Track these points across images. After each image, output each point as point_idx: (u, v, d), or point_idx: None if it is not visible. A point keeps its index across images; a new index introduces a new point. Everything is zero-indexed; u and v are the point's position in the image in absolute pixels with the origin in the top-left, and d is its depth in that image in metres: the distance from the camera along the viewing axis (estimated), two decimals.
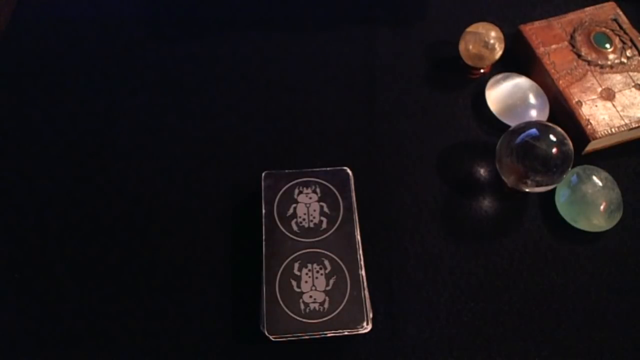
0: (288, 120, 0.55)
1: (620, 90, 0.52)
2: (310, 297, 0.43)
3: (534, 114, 0.53)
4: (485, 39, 0.54)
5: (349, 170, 0.48)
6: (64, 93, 0.58)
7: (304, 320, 0.42)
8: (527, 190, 0.47)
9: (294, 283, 0.43)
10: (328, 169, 0.49)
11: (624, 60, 0.54)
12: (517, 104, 0.54)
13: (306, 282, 0.43)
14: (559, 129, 0.46)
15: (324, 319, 0.42)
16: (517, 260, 0.48)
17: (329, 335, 0.42)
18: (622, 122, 0.51)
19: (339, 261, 0.44)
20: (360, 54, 0.59)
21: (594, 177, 0.49)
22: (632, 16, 0.57)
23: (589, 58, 0.54)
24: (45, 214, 0.51)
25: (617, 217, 0.48)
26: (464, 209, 0.50)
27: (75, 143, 0.54)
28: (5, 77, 0.59)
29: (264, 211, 0.47)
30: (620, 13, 0.57)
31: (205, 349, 0.43)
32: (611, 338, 0.44)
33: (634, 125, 0.50)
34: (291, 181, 0.48)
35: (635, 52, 0.55)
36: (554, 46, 0.55)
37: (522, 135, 0.46)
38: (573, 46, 0.55)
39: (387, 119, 0.55)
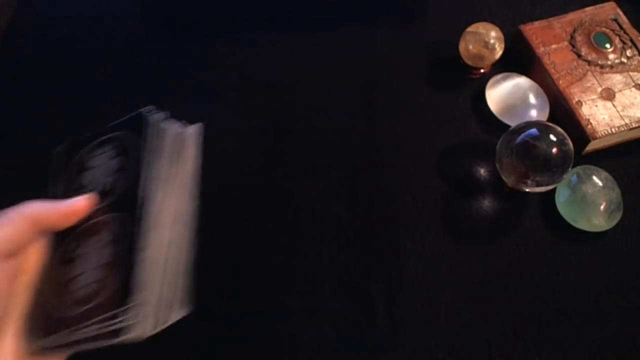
0: (288, 120, 0.55)
1: (620, 90, 0.52)
2: (79, 281, 0.31)
3: (534, 113, 0.53)
4: (485, 39, 0.54)
5: (150, 112, 0.38)
6: (64, 93, 0.58)
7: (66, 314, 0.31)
8: (527, 190, 0.47)
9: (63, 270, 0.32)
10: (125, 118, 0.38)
11: (624, 60, 0.54)
12: (517, 103, 0.54)
13: (76, 265, 0.32)
14: (559, 129, 0.46)
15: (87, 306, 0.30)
16: (517, 260, 0.48)
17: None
18: (622, 122, 0.51)
19: (117, 227, 0.32)
20: (360, 54, 0.59)
21: (594, 177, 0.49)
22: (632, 16, 0.57)
23: (589, 58, 0.54)
24: None
25: (617, 217, 0.48)
26: (464, 209, 0.50)
27: None
28: (5, 77, 0.59)
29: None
30: (621, 13, 0.57)
31: None
32: (611, 338, 0.44)
33: (634, 125, 0.50)
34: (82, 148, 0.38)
35: (636, 52, 0.55)
36: (554, 46, 0.55)
37: (522, 135, 0.46)
38: (573, 46, 0.55)
39: (387, 119, 0.55)
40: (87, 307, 0.30)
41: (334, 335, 0.44)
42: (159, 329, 0.31)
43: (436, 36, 0.60)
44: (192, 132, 0.38)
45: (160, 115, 0.37)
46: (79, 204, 0.33)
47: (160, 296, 0.32)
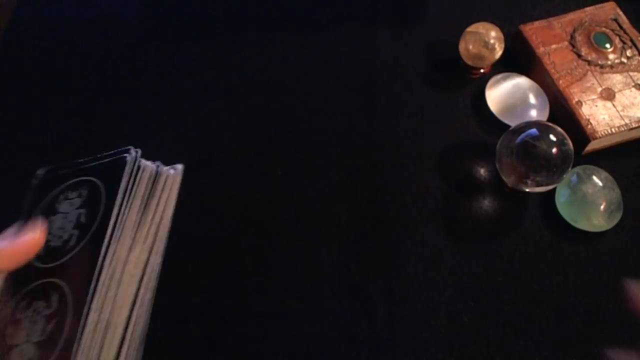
0: (288, 120, 0.55)
1: (620, 90, 0.52)
2: (21, 352, 0.28)
3: (534, 113, 0.53)
4: (485, 39, 0.53)
5: (129, 154, 0.33)
6: (64, 93, 0.58)
7: None
8: (527, 190, 0.47)
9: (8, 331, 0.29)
10: (106, 158, 0.34)
11: (624, 60, 0.54)
12: (517, 103, 0.54)
13: (23, 329, 0.29)
14: (559, 129, 0.46)
15: None
16: (517, 260, 0.48)
17: None
18: (622, 122, 0.51)
19: (68, 294, 0.29)
20: (360, 54, 0.59)
21: (594, 177, 0.49)
22: (632, 16, 0.57)
23: (589, 58, 0.54)
24: None
25: (617, 217, 0.48)
26: (464, 209, 0.50)
27: (75, 143, 0.54)
28: (5, 77, 0.59)
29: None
30: (621, 13, 0.57)
31: None
32: (611, 338, 0.44)
33: (634, 125, 0.50)
34: (60, 184, 0.35)
35: (636, 52, 0.55)
36: (554, 46, 0.55)
37: (522, 135, 0.46)
38: (573, 46, 0.55)
39: (387, 119, 0.55)
40: None
41: (334, 335, 0.44)
42: None
43: (436, 36, 0.60)
44: (171, 173, 0.35)
45: (136, 156, 0.34)
46: (26, 244, 0.29)
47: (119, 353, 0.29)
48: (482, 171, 0.52)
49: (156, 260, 0.32)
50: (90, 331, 0.27)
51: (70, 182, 0.33)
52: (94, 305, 0.28)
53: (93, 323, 0.28)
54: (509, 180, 0.48)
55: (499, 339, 0.44)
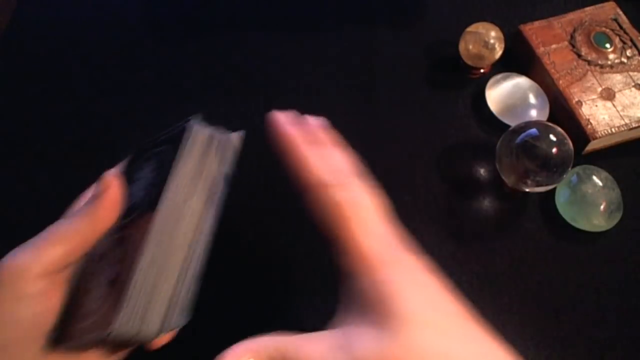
0: None
1: (620, 90, 0.52)
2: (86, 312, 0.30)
3: (534, 113, 0.53)
4: (485, 39, 0.54)
5: (191, 120, 0.35)
6: (64, 93, 0.58)
7: None
8: (527, 190, 0.47)
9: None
10: (176, 129, 0.36)
11: (624, 60, 0.54)
12: (517, 103, 0.54)
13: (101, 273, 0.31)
14: (559, 128, 0.46)
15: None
16: (517, 260, 0.48)
17: None
18: (622, 122, 0.51)
19: (132, 243, 0.31)
20: (360, 54, 0.59)
21: (594, 177, 0.49)
22: (632, 16, 0.57)
23: (589, 58, 0.54)
24: (44, 213, 0.51)
25: (617, 217, 0.48)
26: (464, 209, 0.50)
27: (75, 143, 0.54)
28: (5, 77, 0.59)
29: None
30: (620, 13, 0.57)
31: None
32: (611, 338, 0.44)
33: (634, 125, 0.50)
34: (141, 157, 0.37)
35: (636, 52, 0.55)
36: (554, 46, 0.55)
37: (522, 135, 0.46)
38: (573, 46, 0.55)
39: (387, 119, 0.55)
40: (83, 324, 0.29)
41: None
42: (164, 333, 0.30)
43: (436, 36, 0.60)
44: (231, 139, 0.38)
45: (200, 122, 0.36)
46: (104, 209, 0.32)
47: (171, 299, 0.30)
48: (482, 171, 0.52)
49: (209, 213, 0.35)
50: (143, 271, 0.29)
51: (146, 154, 0.36)
52: (147, 247, 0.29)
53: (146, 263, 0.29)
54: (509, 180, 0.48)
55: (499, 339, 0.44)
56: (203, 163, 0.35)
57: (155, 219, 0.30)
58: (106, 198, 0.31)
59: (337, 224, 0.29)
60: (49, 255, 0.29)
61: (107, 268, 0.31)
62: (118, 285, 0.29)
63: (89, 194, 0.36)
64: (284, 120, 0.33)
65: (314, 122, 0.35)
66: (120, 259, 0.30)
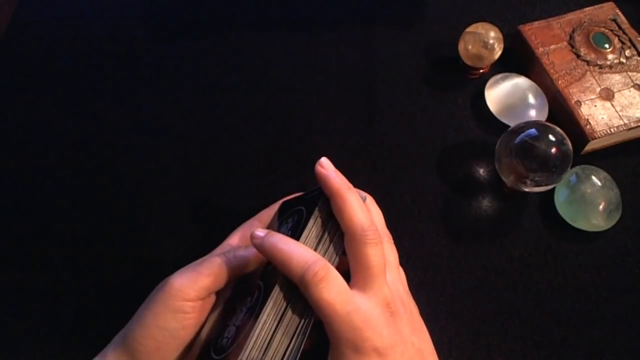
0: (288, 120, 0.55)
1: (619, 90, 0.53)
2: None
3: (533, 113, 0.53)
4: (485, 39, 0.54)
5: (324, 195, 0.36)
6: (64, 93, 0.58)
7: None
8: (526, 190, 0.47)
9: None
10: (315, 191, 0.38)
11: (623, 60, 0.54)
12: (517, 103, 0.54)
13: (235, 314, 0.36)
14: (558, 128, 0.47)
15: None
16: (516, 260, 0.48)
17: None
18: (621, 122, 0.51)
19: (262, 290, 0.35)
20: (360, 54, 0.59)
21: (593, 177, 0.49)
22: (631, 16, 0.57)
23: (588, 58, 0.54)
24: (45, 213, 0.51)
25: (616, 216, 0.48)
26: (464, 208, 0.50)
27: (75, 143, 0.55)
28: (5, 77, 0.59)
29: None
30: (620, 13, 0.57)
31: None
32: (611, 338, 0.44)
33: (632, 125, 0.51)
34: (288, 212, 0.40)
35: (634, 52, 0.55)
36: (553, 46, 0.55)
37: (522, 135, 0.46)
38: (572, 46, 0.55)
39: (387, 119, 0.55)
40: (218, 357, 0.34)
41: None
42: None
43: (436, 36, 0.60)
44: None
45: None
46: (249, 257, 0.37)
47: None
48: (481, 171, 0.52)
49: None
50: (264, 322, 0.32)
51: (292, 210, 0.39)
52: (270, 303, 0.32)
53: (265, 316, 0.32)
54: (508, 180, 0.48)
55: (499, 339, 0.44)
56: (327, 227, 0.36)
57: (274, 290, 0.33)
58: (257, 255, 0.36)
59: (370, 277, 0.33)
60: (203, 282, 0.34)
61: (240, 311, 0.35)
62: (241, 337, 0.32)
63: (250, 226, 0.42)
64: (333, 170, 0.37)
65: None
66: (251, 306, 0.34)
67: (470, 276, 0.47)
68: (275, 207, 0.43)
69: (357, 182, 0.49)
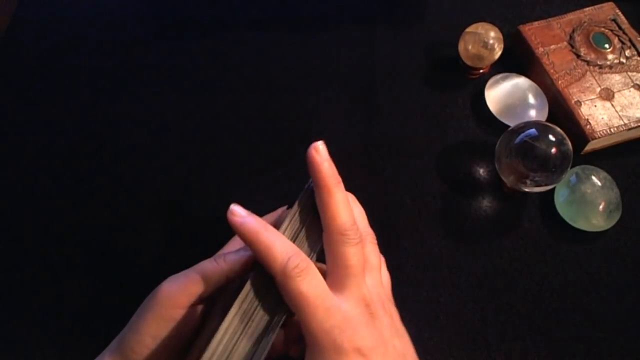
0: (288, 120, 0.55)
1: (619, 90, 0.53)
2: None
3: (533, 114, 0.53)
4: (485, 39, 0.54)
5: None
6: (64, 93, 0.58)
7: None
8: (526, 190, 0.47)
9: None
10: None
11: (623, 60, 0.54)
12: (517, 104, 0.54)
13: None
14: (558, 129, 0.47)
15: None
16: (516, 260, 0.48)
17: None
18: (621, 122, 0.51)
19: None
20: (360, 54, 0.59)
21: (593, 177, 0.49)
22: (631, 16, 0.57)
23: (588, 58, 0.54)
24: (44, 213, 0.51)
25: (616, 216, 0.48)
26: (464, 208, 0.50)
27: (75, 143, 0.54)
28: (5, 77, 0.59)
29: None
30: (620, 13, 0.57)
31: None
32: (611, 338, 0.44)
33: (632, 125, 0.51)
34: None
35: (634, 52, 0.55)
36: (553, 46, 0.55)
37: (522, 135, 0.46)
38: (572, 46, 0.55)
39: (386, 119, 0.55)
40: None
41: None
42: None
43: (436, 36, 0.60)
44: None
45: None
46: (240, 261, 0.35)
47: None
48: (481, 171, 0.52)
49: None
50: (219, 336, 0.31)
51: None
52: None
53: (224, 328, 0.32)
54: (508, 180, 0.48)
55: (499, 339, 0.44)
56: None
57: (242, 292, 0.32)
58: (250, 257, 0.35)
59: (347, 277, 0.32)
60: (193, 289, 0.33)
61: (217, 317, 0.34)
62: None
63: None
64: (326, 158, 0.35)
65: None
66: (223, 311, 0.33)
67: (469, 276, 0.47)
68: (276, 215, 0.42)
69: (357, 182, 0.49)
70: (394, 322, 0.34)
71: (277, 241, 0.31)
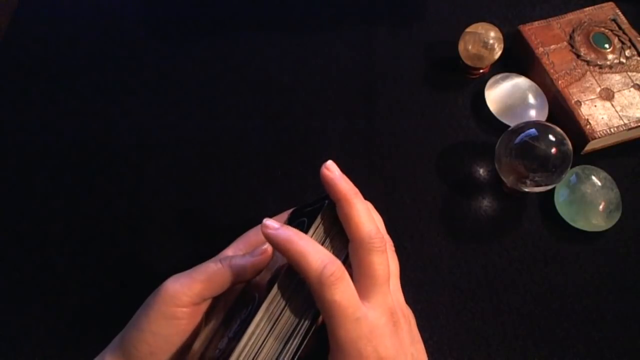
0: (288, 120, 0.55)
1: (619, 90, 0.53)
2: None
3: (533, 113, 0.53)
4: (485, 39, 0.54)
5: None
6: (64, 93, 0.58)
7: None
8: (526, 190, 0.47)
9: None
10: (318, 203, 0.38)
11: (623, 60, 0.54)
12: (517, 104, 0.54)
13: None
14: (558, 129, 0.47)
15: None
16: (516, 260, 0.48)
17: None
18: (621, 122, 0.51)
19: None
20: (360, 54, 0.59)
21: (593, 177, 0.49)
22: (631, 16, 0.57)
23: (588, 58, 0.54)
24: (44, 213, 0.51)
25: (616, 216, 0.48)
26: (464, 208, 0.50)
27: (75, 143, 0.55)
28: (5, 77, 0.59)
29: None
30: (620, 13, 0.57)
31: None
32: (611, 338, 0.44)
33: (632, 125, 0.51)
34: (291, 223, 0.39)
35: (634, 52, 0.55)
36: (553, 46, 0.55)
37: (522, 135, 0.46)
38: (572, 46, 0.55)
39: (386, 119, 0.55)
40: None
41: None
42: None
43: (436, 36, 0.60)
44: None
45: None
46: (245, 266, 0.35)
47: None
48: (481, 171, 0.52)
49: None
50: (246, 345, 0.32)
51: (297, 221, 0.38)
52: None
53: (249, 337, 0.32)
54: (508, 180, 0.48)
55: (499, 339, 0.44)
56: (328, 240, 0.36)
57: (270, 294, 0.32)
58: (257, 263, 0.35)
59: (374, 286, 0.32)
60: (196, 289, 0.34)
61: (235, 323, 0.35)
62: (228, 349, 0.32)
63: (252, 234, 0.41)
64: (339, 174, 0.35)
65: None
66: (243, 320, 0.33)
67: (469, 276, 0.47)
68: (283, 217, 0.42)
69: (357, 182, 0.49)
70: (411, 327, 0.35)
71: (312, 248, 0.32)
